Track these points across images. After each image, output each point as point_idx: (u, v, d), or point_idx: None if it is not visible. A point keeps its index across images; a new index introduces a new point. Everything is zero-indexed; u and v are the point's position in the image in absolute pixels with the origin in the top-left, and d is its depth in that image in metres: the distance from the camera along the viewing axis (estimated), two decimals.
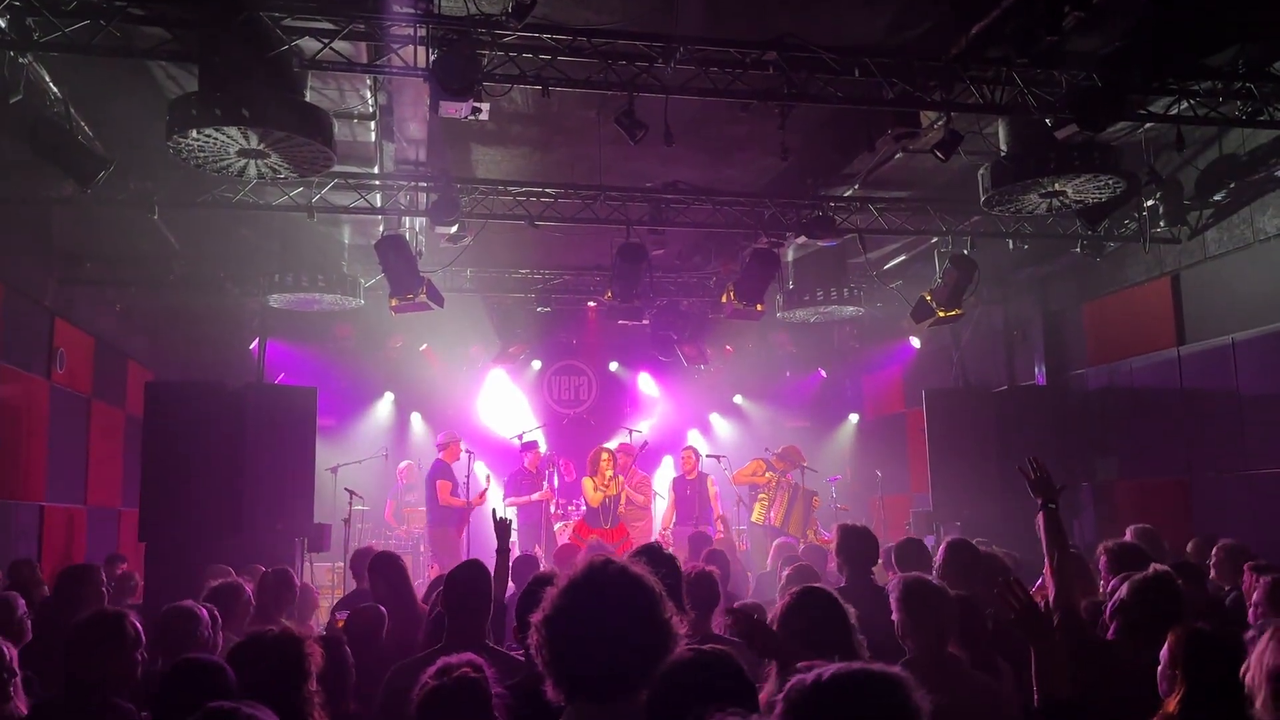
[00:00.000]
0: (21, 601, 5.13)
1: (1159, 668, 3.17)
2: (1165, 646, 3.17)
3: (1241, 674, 2.71)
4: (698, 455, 12.34)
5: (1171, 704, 3.08)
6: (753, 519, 12.24)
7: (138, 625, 3.78)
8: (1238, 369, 9.37)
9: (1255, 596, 4.99)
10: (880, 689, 1.65)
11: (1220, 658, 3.03)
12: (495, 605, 4.24)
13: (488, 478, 12.63)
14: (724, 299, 11.12)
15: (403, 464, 14.02)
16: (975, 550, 5.19)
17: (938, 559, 5.16)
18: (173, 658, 3.61)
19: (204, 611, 4.47)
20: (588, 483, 11.76)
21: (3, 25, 5.90)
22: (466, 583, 4.02)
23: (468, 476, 12.11)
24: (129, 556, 10.18)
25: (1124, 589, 3.78)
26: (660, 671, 1.97)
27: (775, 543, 8.84)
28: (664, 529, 12.07)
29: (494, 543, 5.13)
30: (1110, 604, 3.83)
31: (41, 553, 9.39)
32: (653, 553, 3.43)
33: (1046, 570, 3.99)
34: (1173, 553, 6.92)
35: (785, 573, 6.01)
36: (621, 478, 11.74)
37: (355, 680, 3.98)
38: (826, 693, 1.63)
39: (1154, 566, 3.96)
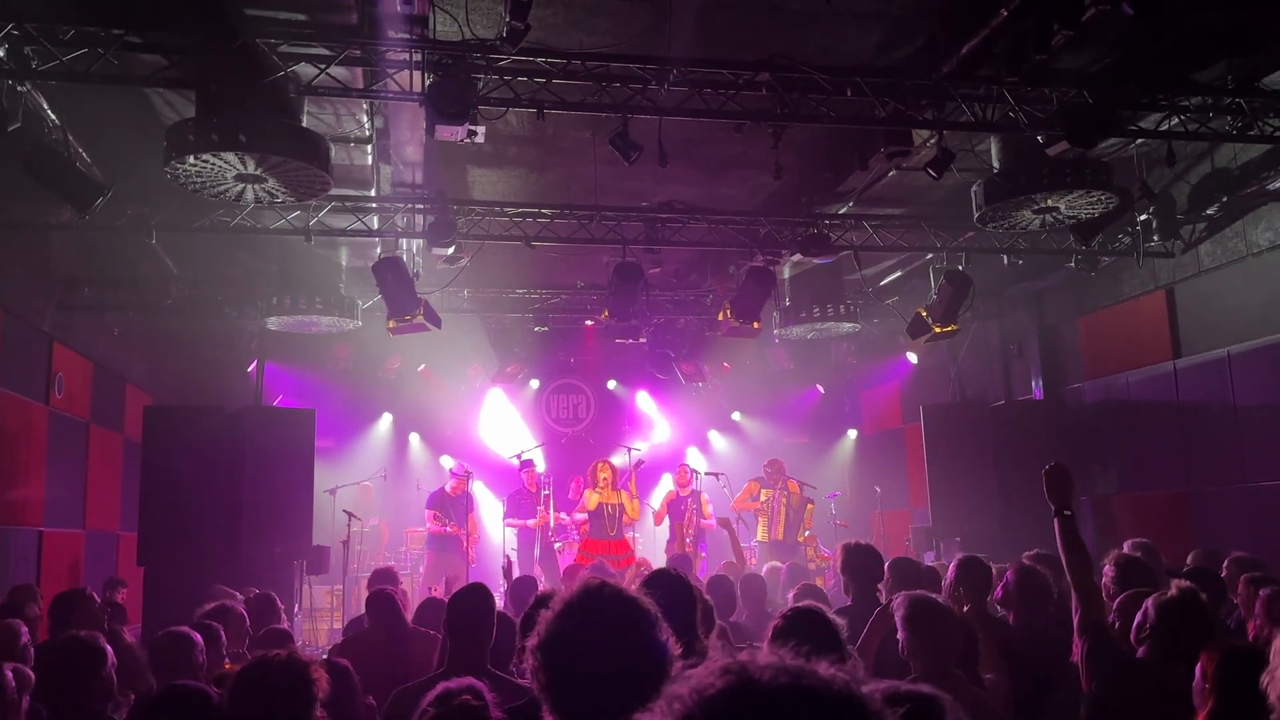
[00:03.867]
0: (25, 630, 5.13)
1: (1194, 683, 3.14)
2: (1199, 664, 3.12)
3: (1263, 685, 2.67)
4: (692, 472, 12.36)
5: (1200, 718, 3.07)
6: (757, 538, 12.33)
7: (104, 646, 3.79)
8: (1234, 382, 9.40)
9: (1256, 609, 4.96)
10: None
11: (1248, 673, 3.02)
12: (500, 629, 4.22)
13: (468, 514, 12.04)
14: (721, 317, 11.15)
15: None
16: (986, 567, 5.16)
17: (949, 576, 5.12)
18: (167, 682, 3.62)
19: (198, 636, 4.47)
20: (588, 492, 11.74)
21: (1, 55, 5.95)
22: (469, 607, 3.99)
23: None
24: (127, 580, 10.17)
25: (1150, 610, 3.68)
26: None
27: (765, 567, 8.87)
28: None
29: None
30: (1135, 626, 3.77)
31: (40, 578, 9.37)
32: (664, 576, 3.41)
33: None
34: (1172, 567, 6.91)
35: (791, 594, 5.99)
36: (623, 491, 11.72)
37: (363, 708, 3.97)
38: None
39: (1176, 584, 3.89)
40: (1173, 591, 3.72)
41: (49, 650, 3.76)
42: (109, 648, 3.79)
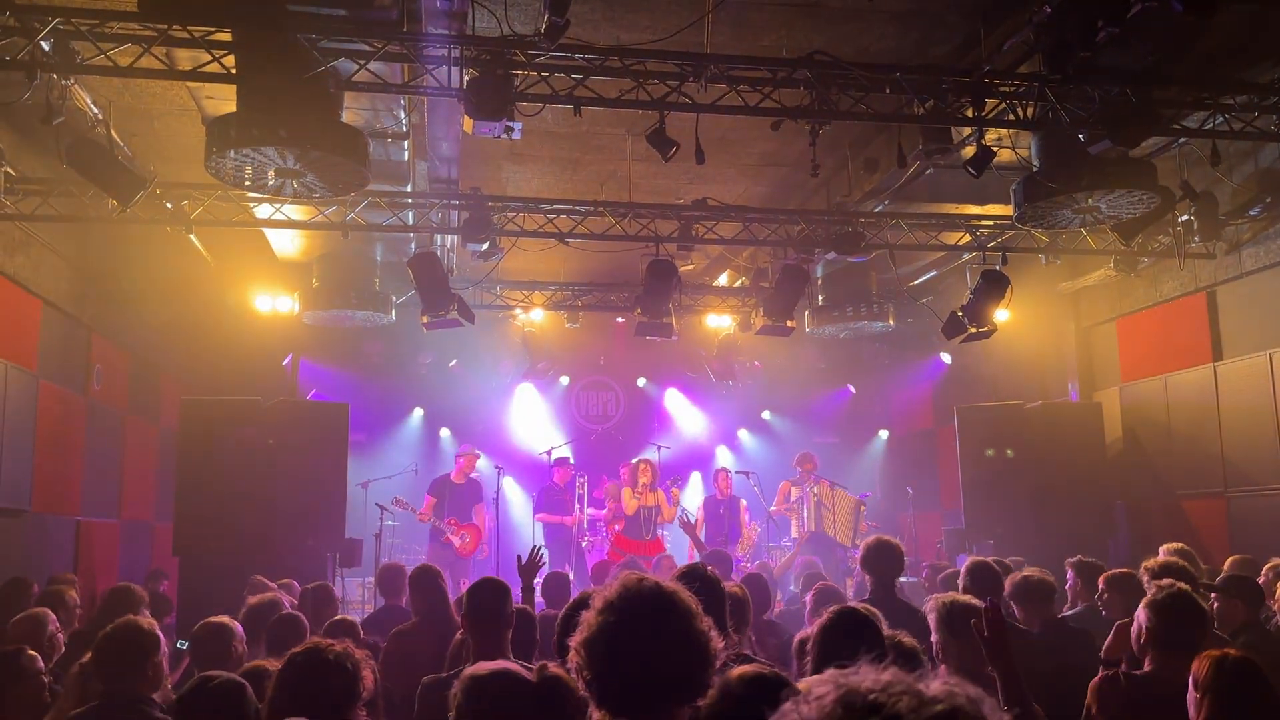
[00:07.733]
0: (53, 617, 5.20)
1: (1188, 693, 3.10)
2: (1192, 673, 3.11)
3: None
4: (730, 476, 12.33)
5: None
6: (793, 535, 12.32)
7: (159, 634, 3.84)
8: (1275, 385, 9.24)
9: None
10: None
11: (1246, 680, 2.98)
12: (522, 622, 4.24)
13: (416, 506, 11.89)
14: (753, 316, 11.11)
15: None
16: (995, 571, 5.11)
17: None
18: (205, 671, 3.66)
19: (239, 626, 4.51)
20: (626, 492, 11.76)
21: (47, 49, 6.02)
22: (485, 600, 4.03)
23: (497, 493, 12.15)
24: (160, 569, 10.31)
25: (1143, 614, 3.71)
26: (723, 683, 1.99)
27: (796, 563, 8.82)
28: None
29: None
30: (1134, 640, 3.75)
31: (77, 567, 9.51)
32: (695, 572, 3.42)
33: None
34: (1208, 573, 6.81)
35: (809, 596, 5.94)
36: (660, 491, 11.74)
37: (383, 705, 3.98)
38: None
39: (1158, 584, 3.87)
40: (1160, 592, 3.74)
41: (107, 633, 3.82)
42: (162, 636, 3.84)
